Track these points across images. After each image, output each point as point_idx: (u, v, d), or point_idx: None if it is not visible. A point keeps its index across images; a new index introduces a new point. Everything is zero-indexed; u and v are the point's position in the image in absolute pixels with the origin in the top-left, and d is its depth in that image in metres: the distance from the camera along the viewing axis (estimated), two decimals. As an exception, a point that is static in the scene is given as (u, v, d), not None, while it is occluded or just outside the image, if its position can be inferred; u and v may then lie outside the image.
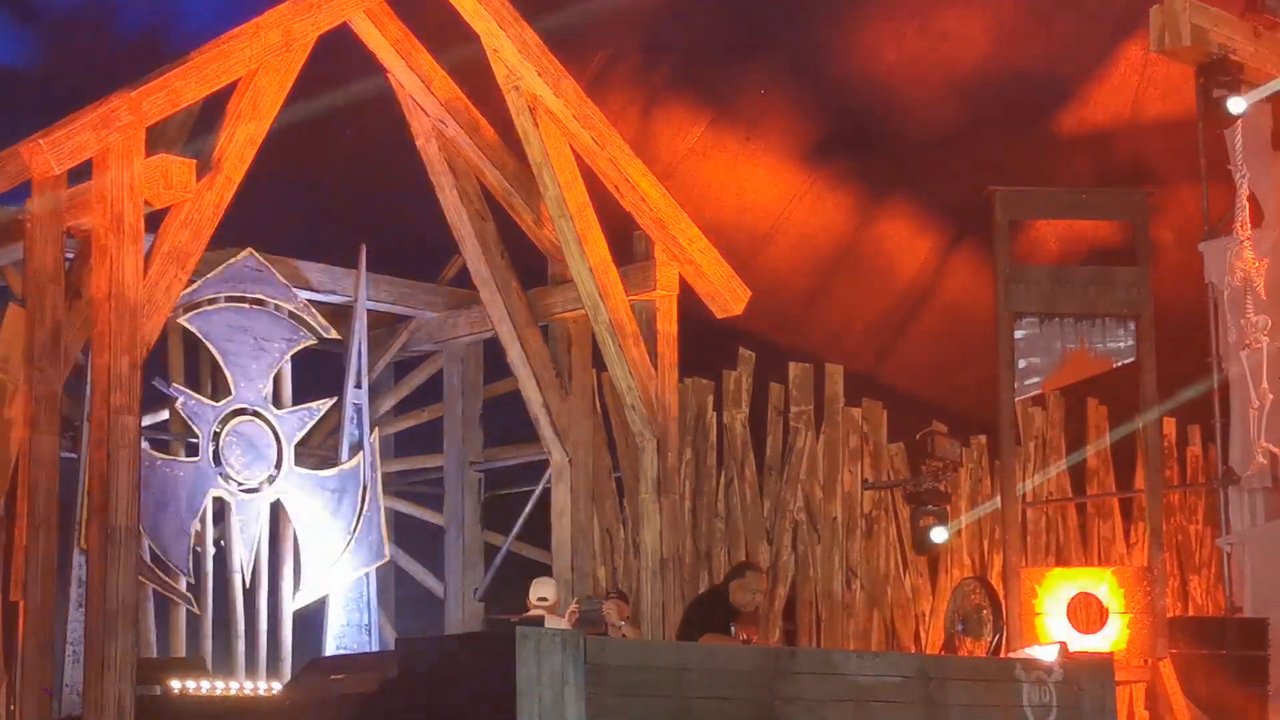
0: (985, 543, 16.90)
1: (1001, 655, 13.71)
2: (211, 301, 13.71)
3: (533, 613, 11.76)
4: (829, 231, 19.04)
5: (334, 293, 14.62)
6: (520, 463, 15.39)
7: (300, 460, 14.14)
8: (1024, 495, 16.53)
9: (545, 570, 14.46)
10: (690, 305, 14.54)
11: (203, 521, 13.55)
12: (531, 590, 12.36)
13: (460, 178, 14.26)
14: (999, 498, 15.29)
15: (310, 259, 14.54)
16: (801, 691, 10.13)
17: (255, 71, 12.42)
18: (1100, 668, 11.57)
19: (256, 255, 13.93)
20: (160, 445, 13.68)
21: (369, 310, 14.73)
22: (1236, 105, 14.31)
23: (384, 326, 15.33)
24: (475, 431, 15.51)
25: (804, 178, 18.73)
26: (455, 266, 15.16)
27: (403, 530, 15.57)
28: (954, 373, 18.25)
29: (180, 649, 13.42)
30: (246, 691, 12.38)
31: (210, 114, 12.53)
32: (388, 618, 15.07)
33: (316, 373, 14.58)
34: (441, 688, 9.43)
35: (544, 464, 14.69)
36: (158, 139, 12.21)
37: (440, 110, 13.95)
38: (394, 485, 15.51)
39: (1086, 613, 14.78)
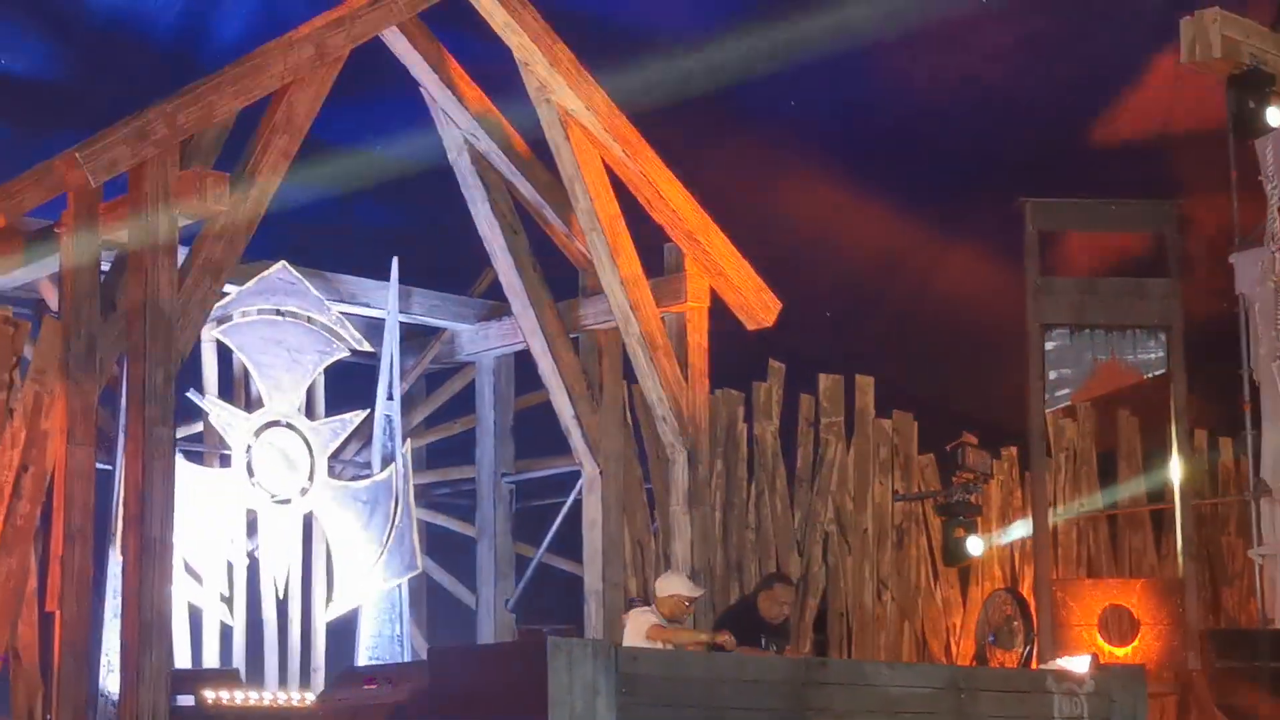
0: (1016, 554, 16.89)
1: (1033, 667, 13.71)
2: (245, 314, 13.77)
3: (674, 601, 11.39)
4: (859, 243, 19.07)
5: (367, 305, 14.68)
6: (551, 474, 15.41)
7: (333, 472, 14.19)
8: (1055, 507, 16.52)
9: (577, 581, 14.52)
10: (721, 317, 14.57)
11: (236, 533, 13.61)
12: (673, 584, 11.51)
13: (492, 191, 14.31)
14: (1031, 517, 15.29)
15: (343, 271, 14.60)
16: (832, 702, 10.16)
17: (289, 85, 12.48)
18: (1132, 679, 11.57)
19: (290, 268, 13.98)
20: (194, 457, 13.74)
21: (401, 322, 14.77)
22: (1275, 117, 14.29)
23: (416, 339, 15.38)
24: (507, 443, 15.56)
25: (835, 190, 18.75)
26: (487, 279, 15.21)
27: (434, 542, 15.62)
28: (985, 384, 18.25)
29: (213, 660, 13.47)
30: (279, 702, 12.42)
31: (244, 127, 12.60)
32: (419, 629, 15.12)
33: (349, 385, 14.63)
34: (473, 698, 9.47)
35: (575, 476, 14.72)
36: (192, 152, 12.28)
37: (472, 123, 14.00)
38: (426, 497, 15.56)
39: (1118, 624, 14.78)
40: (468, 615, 15.47)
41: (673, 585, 11.39)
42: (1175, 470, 15.33)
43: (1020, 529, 16.39)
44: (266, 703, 12.30)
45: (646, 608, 11.41)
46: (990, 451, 15.93)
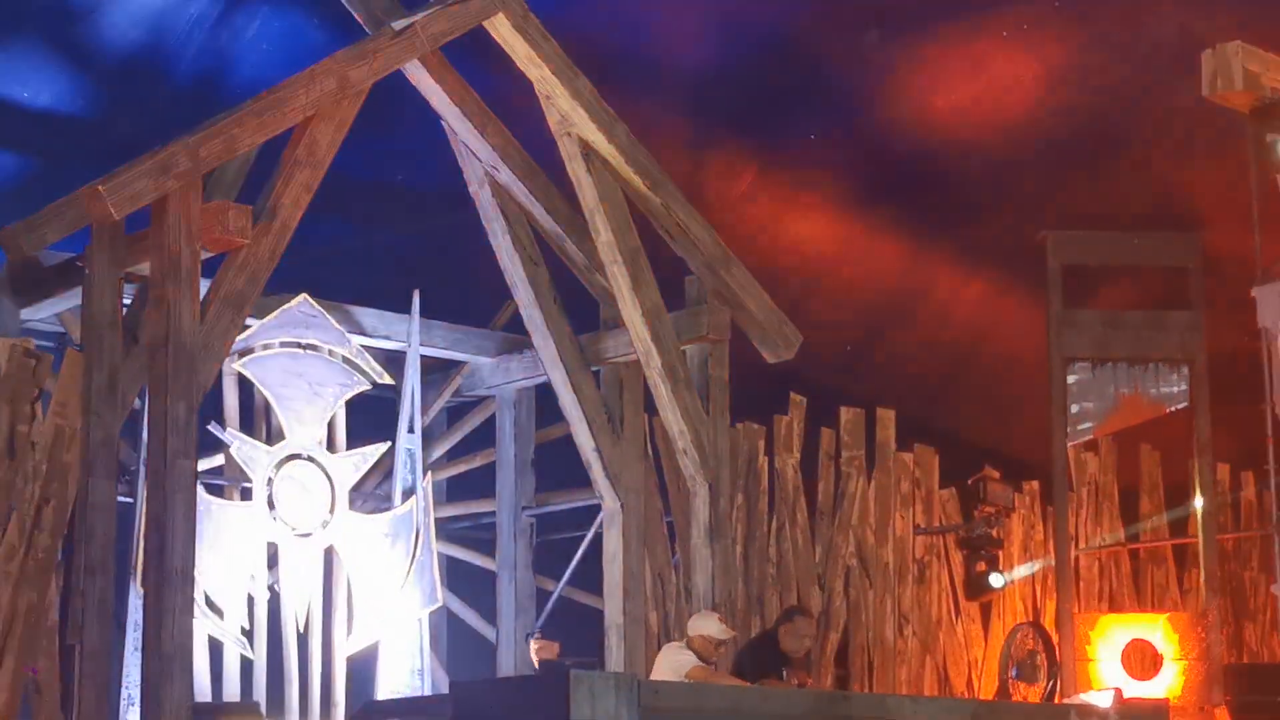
0: (1038, 588, 16.83)
1: (1056, 701, 13.65)
2: (266, 347, 13.78)
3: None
4: (880, 276, 19.06)
5: (387, 338, 14.68)
6: (572, 508, 15.40)
7: (354, 505, 14.18)
8: (1077, 541, 16.46)
9: (597, 615, 14.48)
10: (742, 350, 14.55)
11: (257, 566, 13.60)
12: (704, 626, 12.08)
13: (513, 223, 14.31)
14: (1051, 552, 15.23)
15: (364, 304, 14.61)
16: (856, 737, 10.11)
17: (311, 119, 12.49)
18: (1156, 714, 11.52)
19: (311, 301, 13.99)
20: (215, 490, 13.74)
21: (422, 355, 14.78)
22: (1293, 148, 14.25)
23: (437, 371, 15.38)
24: (527, 476, 15.54)
25: (855, 222, 18.75)
26: (508, 312, 15.21)
27: (455, 575, 15.60)
28: (1006, 418, 18.21)
29: (234, 693, 13.45)
30: (300, 736, 12.41)
31: (266, 160, 12.61)
32: (440, 662, 15.09)
33: (370, 418, 14.63)
34: (496, 732, 9.44)
35: (596, 509, 14.70)
36: (214, 185, 12.30)
37: (493, 156, 14.01)
38: (446, 530, 15.55)
39: (1141, 659, 14.72)
40: (488, 649, 15.44)
41: (703, 627, 11.85)
42: (1198, 504, 15.28)
43: (1032, 566, 16.34)
44: (287, 736, 12.28)
45: (679, 645, 11.50)
46: (1012, 485, 15.87)
